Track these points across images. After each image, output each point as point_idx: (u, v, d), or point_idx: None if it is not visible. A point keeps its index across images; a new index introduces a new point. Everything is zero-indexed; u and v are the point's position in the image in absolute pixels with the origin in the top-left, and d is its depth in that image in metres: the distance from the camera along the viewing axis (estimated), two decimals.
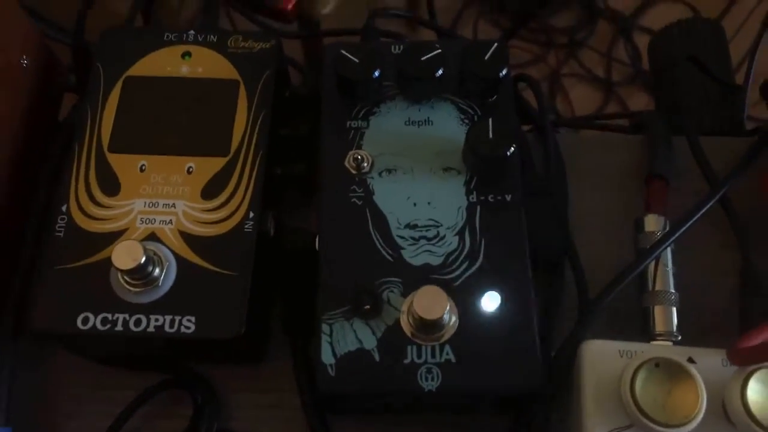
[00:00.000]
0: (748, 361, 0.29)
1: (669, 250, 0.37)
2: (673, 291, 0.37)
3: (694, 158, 0.41)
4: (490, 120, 0.35)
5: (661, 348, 0.33)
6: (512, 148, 0.34)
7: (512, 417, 0.35)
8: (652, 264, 0.37)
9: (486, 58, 0.36)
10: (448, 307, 0.31)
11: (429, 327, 0.32)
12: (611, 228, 0.42)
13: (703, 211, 0.37)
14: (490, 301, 0.33)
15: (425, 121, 0.38)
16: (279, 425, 0.37)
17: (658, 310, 0.36)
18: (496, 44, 0.37)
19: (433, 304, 0.31)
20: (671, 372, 0.30)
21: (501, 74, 0.37)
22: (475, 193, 0.36)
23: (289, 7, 0.83)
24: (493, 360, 0.32)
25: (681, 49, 0.51)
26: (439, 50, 0.37)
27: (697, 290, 0.38)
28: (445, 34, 0.46)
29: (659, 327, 0.36)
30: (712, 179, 0.39)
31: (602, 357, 0.33)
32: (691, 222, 0.37)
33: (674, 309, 0.36)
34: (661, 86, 0.52)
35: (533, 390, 0.32)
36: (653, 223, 0.38)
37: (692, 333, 0.36)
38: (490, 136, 0.34)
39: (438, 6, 1.39)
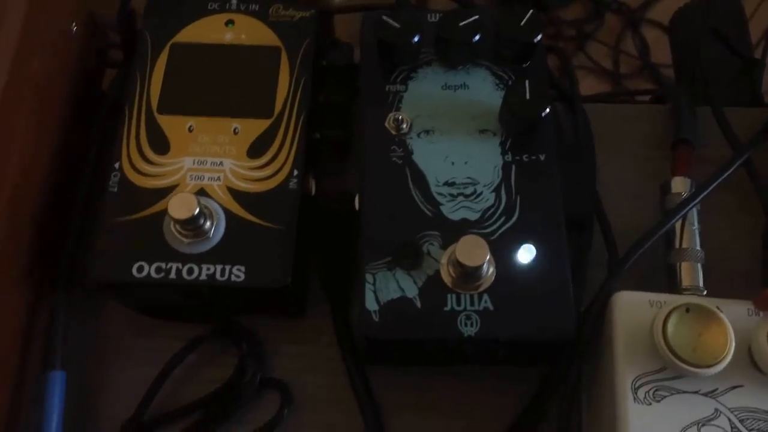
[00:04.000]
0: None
1: (695, 210, 0.39)
2: (699, 249, 0.38)
3: (718, 125, 0.42)
4: (527, 82, 0.36)
5: (690, 297, 0.35)
6: (548, 109, 0.36)
7: (548, 368, 0.37)
8: (679, 223, 0.39)
9: (522, 24, 0.38)
10: (488, 256, 0.33)
11: (469, 275, 0.34)
12: (637, 194, 0.43)
13: (729, 172, 0.39)
14: (526, 254, 0.35)
15: (461, 85, 0.39)
16: (319, 375, 0.39)
17: (684, 266, 0.38)
18: (531, 11, 0.38)
19: (475, 251, 0.32)
20: (701, 316, 0.31)
21: (536, 40, 0.38)
22: (510, 153, 0.38)
23: None
24: (529, 309, 0.34)
25: (701, 24, 0.52)
26: (477, 17, 0.38)
27: (721, 251, 0.40)
28: (468, 5, 0.48)
29: (686, 282, 0.37)
30: (736, 144, 0.41)
31: (633, 307, 0.34)
32: (717, 182, 0.38)
33: (700, 265, 0.38)
34: (682, 60, 0.54)
35: (567, 338, 0.34)
36: (680, 185, 0.40)
37: (716, 291, 0.38)
38: (527, 97, 0.36)
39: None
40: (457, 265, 0.33)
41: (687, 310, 0.32)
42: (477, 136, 0.38)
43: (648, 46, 1.27)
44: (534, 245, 0.35)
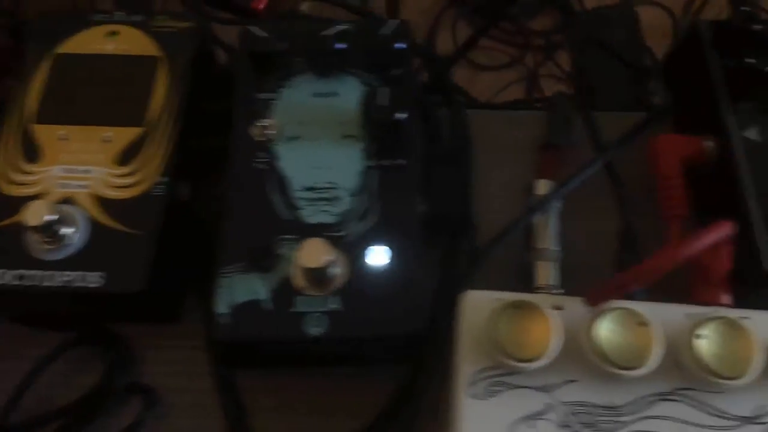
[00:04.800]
0: (597, 300, 0.32)
1: (555, 211, 0.40)
2: (556, 249, 0.39)
3: (585, 130, 0.44)
4: (386, 88, 0.37)
5: (530, 295, 0.36)
6: (404, 115, 0.37)
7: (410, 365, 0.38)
8: (539, 224, 0.40)
9: (386, 34, 0.39)
10: (330, 258, 0.33)
11: (316, 278, 0.34)
12: (516, 196, 0.44)
13: (587, 174, 0.40)
14: (379, 256, 0.36)
15: (331, 93, 0.41)
16: (189, 380, 0.40)
17: (540, 266, 0.39)
18: (397, 22, 0.39)
19: (316, 254, 0.33)
20: (529, 314, 0.32)
21: (399, 48, 0.39)
22: (372, 158, 0.39)
23: (261, 6, 0.86)
24: (378, 308, 0.35)
25: (593, 35, 0.54)
26: (342, 27, 0.39)
27: (584, 250, 0.41)
28: (359, 13, 0.49)
29: (540, 280, 0.39)
30: (599, 147, 0.42)
31: (480, 305, 0.35)
32: (573, 183, 0.40)
33: (555, 265, 0.39)
34: (579, 70, 0.56)
35: (415, 334, 0.34)
36: (543, 187, 0.41)
37: (574, 290, 0.39)
38: (385, 102, 0.37)
39: (419, 8, 1.42)
40: (302, 267, 0.34)
41: (516, 308, 0.33)
42: (342, 142, 0.39)
43: None
44: (388, 247, 0.36)
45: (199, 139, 0.43)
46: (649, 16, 1.28)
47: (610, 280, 0.31)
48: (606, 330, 0.32)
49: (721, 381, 0.31)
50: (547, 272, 0.39)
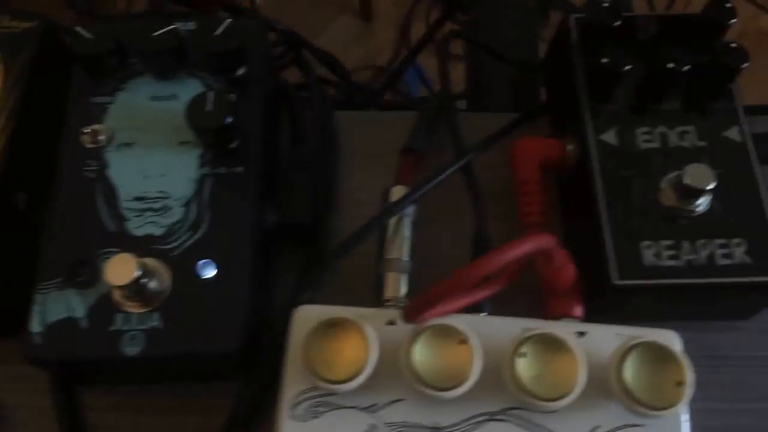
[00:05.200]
0: (413, 315, 0.30)
1: (409, 219, 0.38)
2: (407, 259, 0.38)
3: (449, 133, 0.42)
4: (212, 92, 0.35)
5: (359, 310, 0.34)
6: (228, 120, 0.35)
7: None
8: (391, 232, 0.38)
9: (217, 33, 0.37)
10: (137, 275, 0.32)
11: (131, 294, 0.33)
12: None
13: (438, 179, 0.38)
14: (204, 270, 0.34)
15: (170, 96, 0.39)
16: (32, 397, 0.38)
17: (390, 277, 0.37)
18: (228, 21, 0.37)
19: (122, 270, 0.32)
20: (344, 331, 0.31)
21: (230, 49, 0.37)
22: (207, 165, 0.37)
23: None
24: (198, 326, 0.33)
25: (483, 34, 0.52)
26: (173, 26, 0.37)
27: (440, 258, 0.39)
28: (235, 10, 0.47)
29: (389, 293, 0.37)
30: (459, 151, 0.40)
31: (311, 321, 0.34)
32: (424, 189, 0.38)
33: (405, 276, 0.37)
34: (470, 69, 0.54)
35: (230, 353, 0.33)
36: (398, 194, 0.39)
37: None
38: (208, 108, 0.35)
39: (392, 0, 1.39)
40: (109, 283, 0.32)
41: (331, 326, 0.31)
42: (177, 149, 0.37)
43: None
44: (214, 261, 0.34)
45: (38, 144, 0.41)
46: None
47: (422, 294, 0.29)
48: (423, 349, 0.30)
49: (539, 403, 0.30)
50: (396, 284, 0.37)
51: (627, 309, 0.37)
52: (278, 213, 0.38)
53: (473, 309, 0.36)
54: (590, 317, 0.37)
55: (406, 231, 0.38)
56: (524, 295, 0.37)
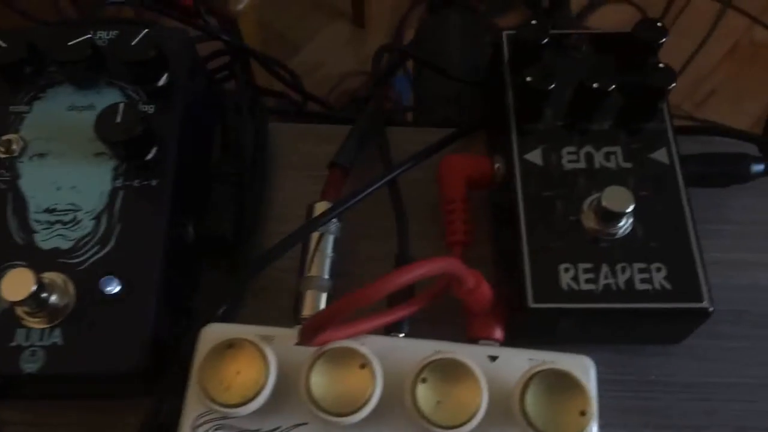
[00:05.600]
0: (309, 338, 0.29)
1: (331, 236, 0.38)
2: (327, 277, 0.37)
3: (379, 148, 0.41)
4: (120, 104, 0.35)
5: (271, 330, 0.33)
6: (137, 132, 0.34)
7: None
8: (312, 249, 0.37)
9: (134, 43, 0.36)
10: (34, 288, 0.31)
11: (31, 309, 0.32)
12: None
13: (361, 196, 0.37)
14: (109, 286, 0.33)
15: (88, 106, 0.38)
16: None
17: (308, 295, 0.36)
18: (145, 30, 0.36)
19: (17, 285, 0.31)
20: (243, 352, 0.30)
21: (147, 59, 0.37)
22: (121, 178, 0.36)
23: (188, 1, 0.82)
24: (98, 344, 0.32)
25: (430, 48, 0.52)
26: (88, 35, 0.36)
27: (360, 279, 0.39)
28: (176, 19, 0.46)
29: (306, 311, 0.36)
30: (386, 166, 0.40)
31: (218, 340, 0.33)
32: (346, 206, 0.37)
33: (325, 295, 0.37)
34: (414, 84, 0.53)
35: (129, 374, 0.32)
36: (320, 209, 0.38)
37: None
38: (117, 120, 0.34)
39: (389, 4, 1.39)
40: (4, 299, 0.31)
41: (229, 346, 0.30)
42: (92, 160, 0.36)
43: None
44: (121, 277, 0.33)
45: None
46: (625, 16, 1.28)
47: (316, 315, 0.28)
48: (322, 372, 0.30)
49: (438, 430, 0.29)
50: (314, 302, 0.36)
51: (549, 332, 0.36)
52: (198, 227, 0.38)
53: (392, 329, 0.36)
54: (515, 339, 0.36)
55: (328, 248, 0.38)
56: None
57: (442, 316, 0.37)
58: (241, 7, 0.94)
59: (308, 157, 0.44)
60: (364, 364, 0.30)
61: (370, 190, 0.38)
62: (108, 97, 0.38)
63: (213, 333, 0.33)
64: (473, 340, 0.35)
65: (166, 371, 0.34)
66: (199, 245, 0.38)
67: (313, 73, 1.27)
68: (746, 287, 0.41)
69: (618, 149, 0.37)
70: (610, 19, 1.30)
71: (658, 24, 0.38)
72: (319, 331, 0.28)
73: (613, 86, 0.36)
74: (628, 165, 0.37)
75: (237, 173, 0.41)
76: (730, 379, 0.39)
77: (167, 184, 0.36)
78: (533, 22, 0.38)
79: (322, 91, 1.21)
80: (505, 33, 0.41)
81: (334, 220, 0.38)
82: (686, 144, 0.43)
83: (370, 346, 0.32)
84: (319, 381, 0.29)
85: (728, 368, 0.39)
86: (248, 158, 0.42)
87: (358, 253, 0.40)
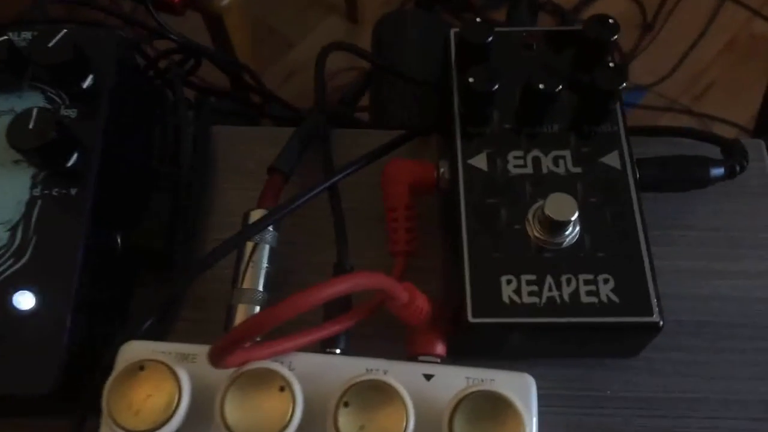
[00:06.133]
0: (219, 359, 0.27)
1: (266, 246, 0.36)
2: (261, 290, 0.35)
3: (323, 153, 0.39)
4: (34, 109, 0.33)
5: (194, 348, 0.31)
6: (51, 138, 0.32)
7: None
8: (245, 260, 0.35)
9: (50, 44, 0.34)
10: None
11: None
12: None
13: (298, 204, 0.35)
14: (23, 301, 0.31)
15: (8, 111, 0.36)
16: None
17: (240, 309, 0.34)
18: (63, 31, 0.34)
19: None
20: (155, 374, 0.28)
21: (64, 61, 0.35)
22: (40, 186, 0.34)
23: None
24: (10, 364, 0.30)
25: (382, 48, 0.50)
26: (5, 36, 0.35)
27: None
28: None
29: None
30: (327, 172, 0.38)
31: (137, 358, 0.31)
32: (279, 215, 0.35)
33: (258, 308, 0.35)
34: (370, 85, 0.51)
35: (42, 395, 0.30)
36: (256, 218, 0.36)
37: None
38: (30, 126, 0.32)
39: (381, 0, 1.37)
40: None
41: (141, 368, 0.28)
42: (10, 168, 0.34)
43: None
44: (35, 291, 0.31)
45: None
46: (622, 8, 1.26)
47: (225, 336, 0.26)
48: (238, 395, 0.28)
49: None
50: (244, 316, 0.34)
51: (494, 347, 0.34)
52: (129, 237, 0.36)
53: (328, 344, 0.34)
54: (460, 354, 0.34)
55: (263, 259, 0.36)
56: None
57: (384, 330, 0.35)
58: (225, 2, 0.92)
59: (257, 161, 0.42)
60: (284, 387, 0.28)
61: (307, 197, 0.36)
62: (29, 100, 0.36)
63: (132, 351, 0.31)
64: (413, 356, 0.33)
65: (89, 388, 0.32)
66: (129, 256, 0.36)
67: (306, 69, 1.25)
68: (708, 297, 0.39)
69: (567, 153, 0.35)
70: (607, 12, 1.28)
71: (610, 21, 0.36)
72: (226, 353, 0.26)
73: (560, 87, 0.34)
74: (578, 170, 0.35)
75: (174, 179, 0.39)
76: (690, 394, 0.37)
77: (88, 192, 0.34)
78: (477, 20, 0.36)
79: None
80: (452, 31, 0.39)
81: (271, 228, 0.36)
82: (651, 146, 0.42)
83: (297, 364, 0.31)
84: (235, 405, 0.27)
85: (689, 383, 0.37)
86: (187, 163, 0.40)
87: (298, 263, 0.38)
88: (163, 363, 0.28)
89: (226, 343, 0.26)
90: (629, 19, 1.28)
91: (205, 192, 0.41)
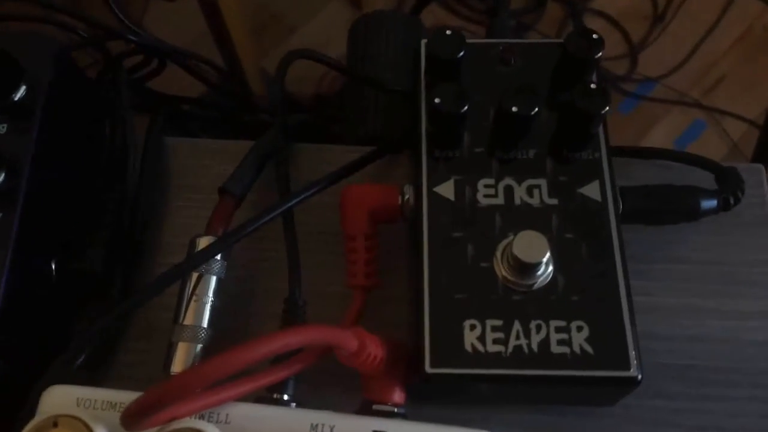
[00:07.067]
0: (134, 424, 0.24)
1: (212, 277, 0.33)
2: (205, 326, 0.32)
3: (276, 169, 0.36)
4: None
5: (122, 396, 0.28)
6: None
7: None
8: (188, 293, 0.32)
9: None
10: None
11: None
12: None
13: (248, 231, 0.32)
14: None
15: None
16: None
17: (180, 348, 0.31)
18: None
19: None
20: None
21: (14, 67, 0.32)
22: None
23: None
24: None
25: (355, 51, 0.46)
26: None
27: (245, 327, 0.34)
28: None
29: (177, 367, 0.31)
30: (281, 196, 0.35)
31: (61, 404, 0.28)
32: (227, 244, 0.32)
33: (200, 347, 0.32)
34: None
35: None
36: (203, 245, 0.33)
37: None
38: None
39: None
40: None
41: (54, 425, 0.25)
42: None
43: None
44: None
45: None
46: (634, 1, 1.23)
47: (136, 400, 0.23)
48: None
49: None
50: (187, 356, 0.31)
51: (456, 396, 0.31)
52: (65, 262, 0.33)
53: (275, 390, 0.31)
54: (419, 401, 0.31)
55: (209, 291, 0.33)
56: None
57: (340, 374, 0.32)
58: None
59: (214, 177, 0.39)
60: None
61: (259, 223, 0.32)
62: None
63: (53, 399, 0.28)
64: (368, 404, 0.30)
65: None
66: (66, 283, 0.33)
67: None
68: (694, 337, 0.36)
69: (543, 182, 0.32)
70: (616, 6, 1.25)
71: (594, 36, 0.32)
72: (140, 419, 0.23)
73: (536, 111, 0.31)
74: (554, 201, 0.31)
75: (118, 198, 0.36)
76: None
77: (15, 215, 0.31)
78: (447, 32, 0.33)
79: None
80: (423, 41, 0.36)
81: (218, 257, 0.33)
82: (639, 169, 0.38)
83: (235, 416, 0.28)
84: None
85: None
86: (132, 179, 0.37)
87: (252, 289, 0.35)
88: (78, 419, 0.25)
89: (138, 409, 0.23)
90: (640, 9, 1.25)
91: (155, 210, 0.38)
